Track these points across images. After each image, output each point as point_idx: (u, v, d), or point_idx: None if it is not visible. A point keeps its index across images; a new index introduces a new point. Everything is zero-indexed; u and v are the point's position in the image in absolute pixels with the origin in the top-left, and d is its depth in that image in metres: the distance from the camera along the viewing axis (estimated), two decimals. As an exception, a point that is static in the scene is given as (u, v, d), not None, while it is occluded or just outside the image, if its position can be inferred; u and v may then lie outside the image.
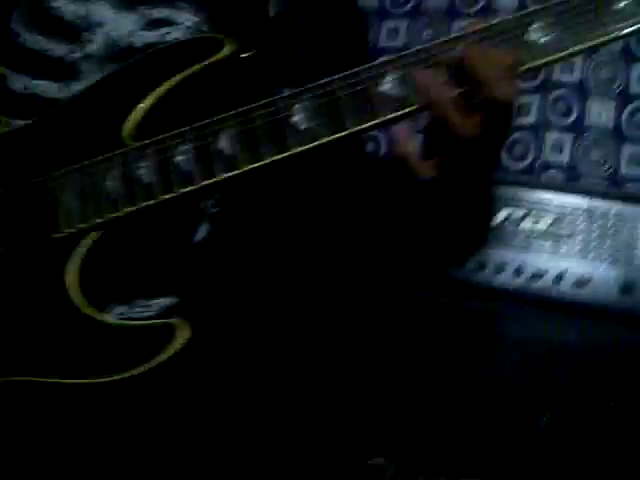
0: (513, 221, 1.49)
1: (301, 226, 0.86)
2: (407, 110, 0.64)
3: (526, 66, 0.63)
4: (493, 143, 0.66)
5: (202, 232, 0.80)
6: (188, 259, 0.79)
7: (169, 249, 0.78)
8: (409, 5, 1.71)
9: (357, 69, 0.66)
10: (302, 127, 0.65)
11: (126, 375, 0.64)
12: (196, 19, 0.80)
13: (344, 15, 0.93)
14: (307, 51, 0.83)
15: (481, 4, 1.82)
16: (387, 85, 0.65)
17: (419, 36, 1.69)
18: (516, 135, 2.08)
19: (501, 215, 1.51)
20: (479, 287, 1.44)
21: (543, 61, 0.64)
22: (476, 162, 0.67)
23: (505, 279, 1.45)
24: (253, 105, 0.67)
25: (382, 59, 0.67)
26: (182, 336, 0.63)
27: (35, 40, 0.80)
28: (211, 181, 0.66)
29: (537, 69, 0.65)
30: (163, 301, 0.75)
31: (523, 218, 1.49)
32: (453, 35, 0.66)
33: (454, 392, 1.34)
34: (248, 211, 0.83)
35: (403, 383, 1.37)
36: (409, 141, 0.65)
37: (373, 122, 0.64)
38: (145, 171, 0.68)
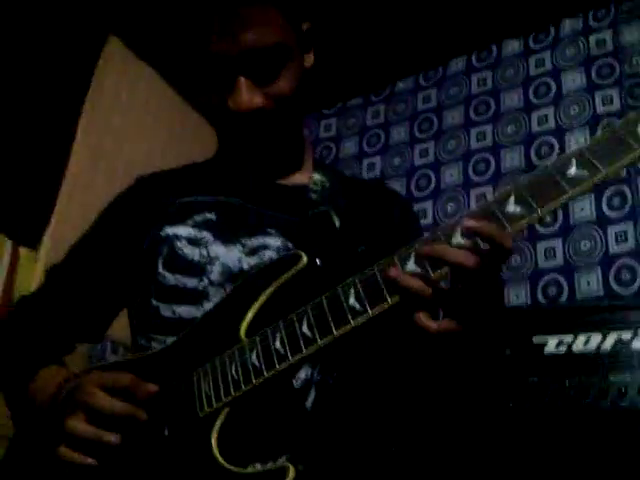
0: (624, 343, 1.58)
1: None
2: None
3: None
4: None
5: (311, 398, 1.01)
6: (302, 424, 1.00)
7: (286, 416, 0.99)
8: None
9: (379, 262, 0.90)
10: (357, 307, 0.89)
11: None
12: (283, 240, 1.08)
13: (397, 218, 1.19)
14: (367, 248, 1.08)
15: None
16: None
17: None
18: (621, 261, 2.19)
19: (610, 340, 1.61)
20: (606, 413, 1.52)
21: (524, 222, 0.85)
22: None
23: (631, 400, 1.52)
24: (323, 296, 0.92)
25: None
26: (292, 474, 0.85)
27: (175, 278, 1.10)
28: (299, 357, 0.90)
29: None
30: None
31: (632, 339, 1.58)
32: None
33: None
34: (344, 376, 1.05)
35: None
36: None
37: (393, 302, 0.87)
38: (255, 357, 0.93)
